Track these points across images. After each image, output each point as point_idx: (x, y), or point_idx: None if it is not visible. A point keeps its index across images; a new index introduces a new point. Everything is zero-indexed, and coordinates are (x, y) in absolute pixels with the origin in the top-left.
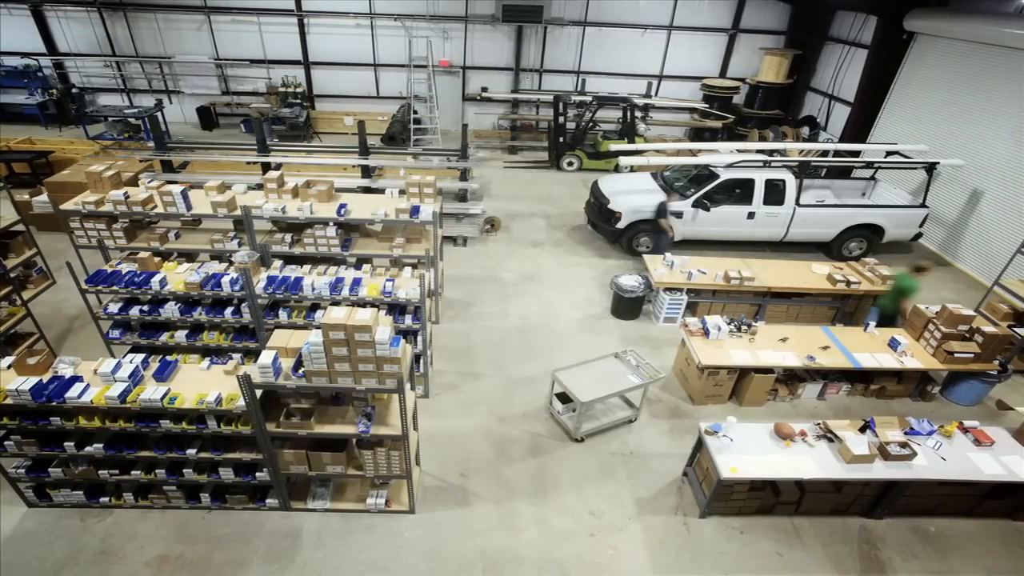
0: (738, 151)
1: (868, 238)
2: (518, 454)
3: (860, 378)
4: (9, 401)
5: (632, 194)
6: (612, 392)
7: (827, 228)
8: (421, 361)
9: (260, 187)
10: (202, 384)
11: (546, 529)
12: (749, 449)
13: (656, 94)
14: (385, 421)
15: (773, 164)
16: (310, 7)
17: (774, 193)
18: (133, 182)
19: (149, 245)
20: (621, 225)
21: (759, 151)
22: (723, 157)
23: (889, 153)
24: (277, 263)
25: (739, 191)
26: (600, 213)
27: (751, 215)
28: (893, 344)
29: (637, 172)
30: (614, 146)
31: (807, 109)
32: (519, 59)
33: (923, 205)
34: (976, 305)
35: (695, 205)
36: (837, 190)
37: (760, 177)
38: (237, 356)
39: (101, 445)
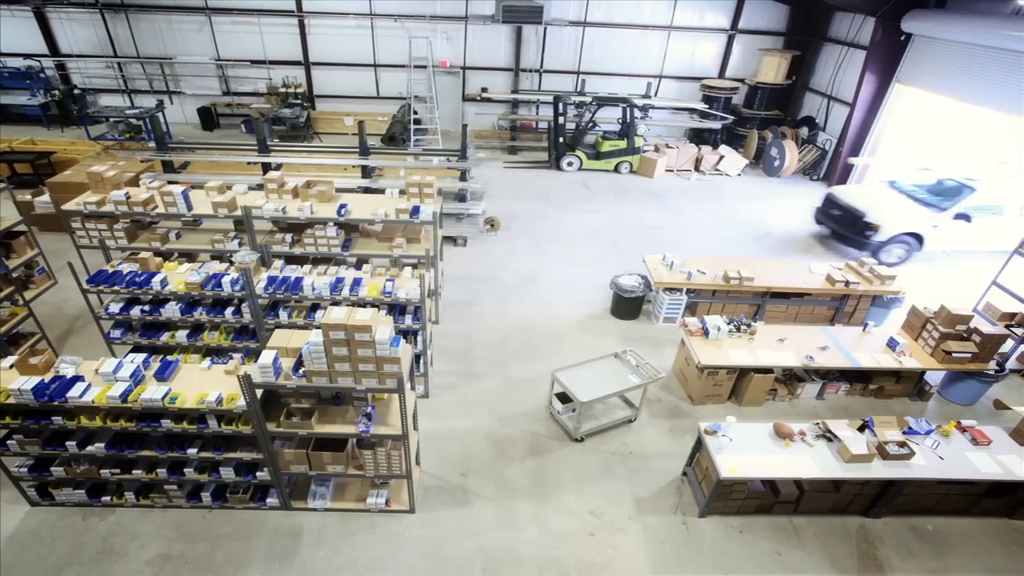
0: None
1: None
2: (518, 454)
3: (859, 378)
4: (11, 400)
5: (891, 208)
6: (612, 392)
7: None
8: (421, 361)
9: (261, 187)
10: (203, 384)
11: (546, 529)
12: (748, 449)
13: (656, 94)
14: (385, 421)
15: None
16: (310, 8)
17: None
18: (134, 182)
19: (150, 245)
20: (881, 238)
21: None
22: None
23: None
24: (277, 263)
25: None
26: (852, 225)
27: None
28: (892, 344)
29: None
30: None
31: (806, 109)
32: (519, 59)
33: None
34: (974, 305)
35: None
36: None
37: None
38: (238, 356)
39: (103, 444)
